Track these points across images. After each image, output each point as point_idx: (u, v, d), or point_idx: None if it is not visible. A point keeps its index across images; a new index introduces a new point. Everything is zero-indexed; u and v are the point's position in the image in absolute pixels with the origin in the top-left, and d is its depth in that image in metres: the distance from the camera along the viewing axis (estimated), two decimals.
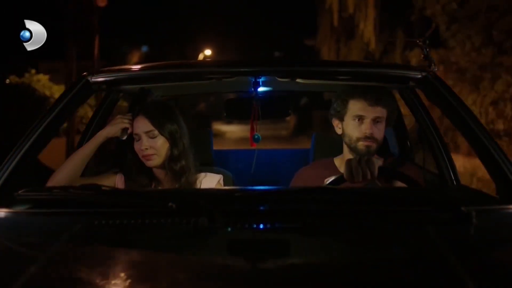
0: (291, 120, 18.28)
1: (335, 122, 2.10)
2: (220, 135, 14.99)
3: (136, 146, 1.96)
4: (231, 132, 15.54)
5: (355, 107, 2.01)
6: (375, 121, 1.99)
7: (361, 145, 1.99)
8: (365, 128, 1.98)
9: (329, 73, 2.06)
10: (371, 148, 1.99)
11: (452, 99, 1.76)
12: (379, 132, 2.01)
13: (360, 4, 13.50)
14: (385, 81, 2.06)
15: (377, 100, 1.99)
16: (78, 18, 11.06)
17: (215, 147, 2.58)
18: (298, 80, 2.06)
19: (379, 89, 2.02)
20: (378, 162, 1.75)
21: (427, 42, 1.99)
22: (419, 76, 1.89)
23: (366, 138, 1.98)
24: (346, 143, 2.07)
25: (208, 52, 24.63)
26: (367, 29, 14.41)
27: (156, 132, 1.94)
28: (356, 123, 2.00)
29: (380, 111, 2.00)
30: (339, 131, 2.09)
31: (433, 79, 1.85)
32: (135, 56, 19.63)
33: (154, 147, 1.93)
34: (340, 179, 1.75)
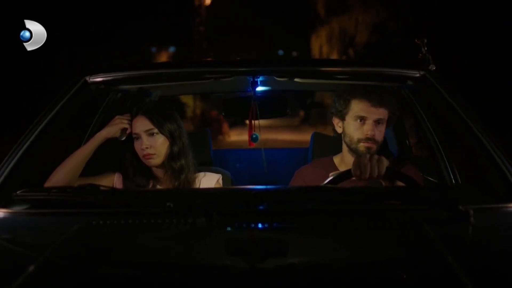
0: (301, 114, 23.80)
1: (336, 121, 2.07)
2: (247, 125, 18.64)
3: (136, 145, 1.96)
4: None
5: (357, 107, 1.98)
6: (377, 122, 1.97)
7: (361, 146, 1.97)
8: (367, 129, 1.96)
9: (327, 72, 2.05)
10: (372, 150, 1.96)
11: (451, 98, 1.76)
12: (380, 133, 1.98)
13: (330, 53, 20.32)
14: (383, 80, 2.05)
15: (381, 101, 1.96)
16: None
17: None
18: (296, 79, 2.06)
19: (382, 90, 2.00)
20: (386, 162, 1.73)
21: (425, 41, 1.99)
22: (417, 75, 1.88)
23: (368, 139, 1.96)
24: (346, 143, 2.04)
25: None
26: None
27: (156, 130, 1.94)
28: (358, 124, 1.98)
29: (382, 113, 1.97)
30: (339, 130, 2.06)
31: (431, 78, 1.85)
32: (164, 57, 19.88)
33: (154, 146, 1.93)
34: (345, 174, 1.72)
